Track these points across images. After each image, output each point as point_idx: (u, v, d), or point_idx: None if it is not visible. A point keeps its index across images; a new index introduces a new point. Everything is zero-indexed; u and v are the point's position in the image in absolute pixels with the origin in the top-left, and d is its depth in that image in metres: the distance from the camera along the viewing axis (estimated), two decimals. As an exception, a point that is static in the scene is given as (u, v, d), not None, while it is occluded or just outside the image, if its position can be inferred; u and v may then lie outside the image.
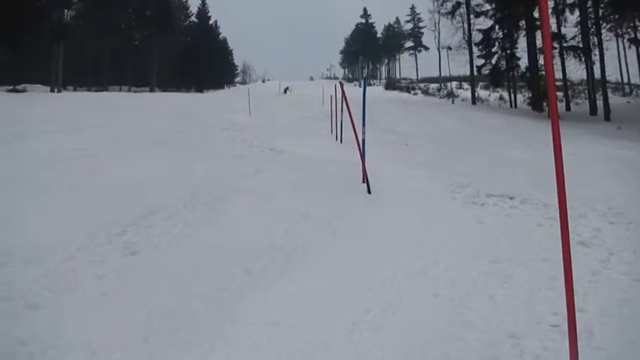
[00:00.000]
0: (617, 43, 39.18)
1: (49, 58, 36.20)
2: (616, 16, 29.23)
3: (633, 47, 35.59)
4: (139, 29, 52.54)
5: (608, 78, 29.39)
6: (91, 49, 45.42)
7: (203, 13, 64.24)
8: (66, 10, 41.27)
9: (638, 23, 30.00)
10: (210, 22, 65.87)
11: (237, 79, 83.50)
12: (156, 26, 49.90)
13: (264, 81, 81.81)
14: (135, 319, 3.34)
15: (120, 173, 7.16)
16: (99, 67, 46.45)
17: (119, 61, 47.74)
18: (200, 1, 63.80)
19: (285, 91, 48.97)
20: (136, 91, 40.85)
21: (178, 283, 3.96)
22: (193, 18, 64.22)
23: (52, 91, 34.72)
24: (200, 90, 55.21)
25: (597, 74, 28.38)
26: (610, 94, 29.58)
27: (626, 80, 45.72)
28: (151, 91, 47.11)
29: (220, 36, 70.49)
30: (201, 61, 56.37)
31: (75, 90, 42.85)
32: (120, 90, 44.96)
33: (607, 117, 25.18)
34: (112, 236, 4.77)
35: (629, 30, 34.04)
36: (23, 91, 30.24)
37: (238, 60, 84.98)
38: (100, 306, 3.52)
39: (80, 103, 19.40)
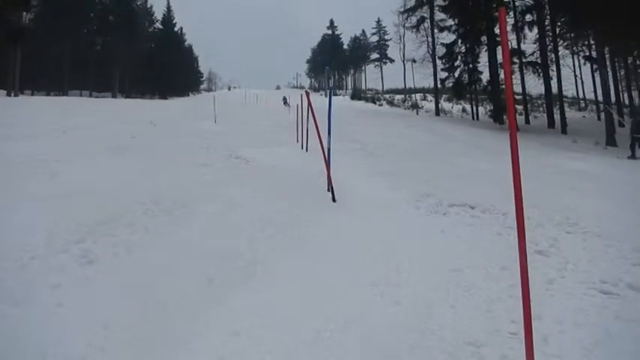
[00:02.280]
0: (573, 59, 40.83)
1: (5, 61, 34.98)
2: (572, 35, 30.51)
3: (588, 64, 37.13)
4: (101, 34, 51.43)
5: (564, 93, 30.65)
6: (51, 53, 44.13)
7: (168, 19, 63.56)
8: (24, 13, 40.02)
9: (592, 42, 31.28)
10: (176, 28, 65.21)
11: (202, 87, 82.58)
12: (119, 32, 48.99)
13: (229, 89, 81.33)
14: (92, 330, 3.22)
15: (78, 180, 6.92)
16: (59, 72, 45.17)
17: (80, 66, 46.57)
18: (165, 8, 63.20)
19: (285, 102, 41.64)
20: (97, 97, 39.85)
21: (138, 292, 3.84)
22: (158, 24, 63.35)
23: (9, 95, 33.53)
24: (164, 97, 54.39)
25: (555, 89, 29.48)
26: (567, 109, 30.76)
27: (581, 95, 47.61)
28: (113, 96, 46.12)
29: (186, 43, 69.82)
30: (166, 68, 55.65)
31: (32, 94, 41.49)
32: (81, 95, 43.84)
33: (564, 130, 26.17)
34: (68, 244, 4.59)
35: (584, 47, 35.55)
36: (-23, 94, 29.12)
37: (204, 68, 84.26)
38: (55, 317, 3.37)
39: (37, 108, 18.76)
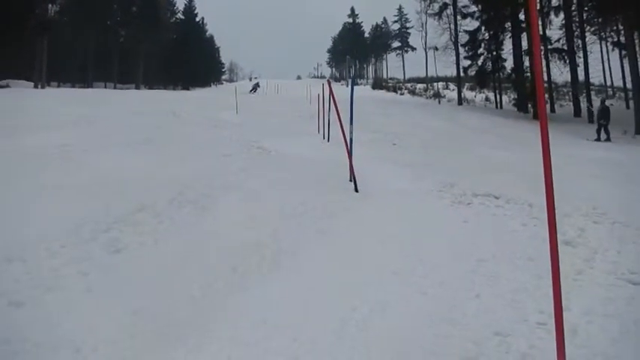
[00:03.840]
0: (601, 46, 39.78)
1: (32, 54, 35.65)
2: (600, 20, 29.67)
3: (616, 50, 36.15)
4: (124, 26, 51.96)
5: (591, 80, 29.83)
6: (75, 46, 44.83)
7: (189, 9, 63.78)
8: (50, 5, 40.69)
9: (620, 27, 30.41)
10: (197, 19, 65.44)
11: (224, 77, 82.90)
12: (142, 23, 49.43)
13: (250, 79, 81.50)
14: (120, 317, 3.30)
15: (106, 170, 7.06)
16: (84, 64, 45.86)
17: (104, 57, 47.18)
18: (186, -2, 63.42)
19: (255, 89, 42.52)
20: (121, 88, 40.28)
21: (164, 280, 3.92)
22: (180, 15, 63.66)
23: (36, 87, 34.21)
24: (186, 87, 54.79)
25: (581, 76, 28.79)
26: (593, 97, 29.99)
27: (609, 83, 46.38)
28: (137, 88, 46.63)
29: (207, 33, 70.06)
30: (188, 59, 55.98)
31: (59, 86, 42.26)
32: (105, 87, 44.43)
33: (590, 119, 25.53)
34: (96, 233, 4.70)
35: (612, 33, 34.58)
36: (6, 86, 29.75)
37: (225, 58, 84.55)
38: (84, 303, 3.47)
39: (65, 99, 19.09)
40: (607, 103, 20.37)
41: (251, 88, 42.78)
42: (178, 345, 3.06)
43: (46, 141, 8.77)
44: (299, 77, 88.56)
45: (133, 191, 6.06)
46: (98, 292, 3.64)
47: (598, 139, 17.42)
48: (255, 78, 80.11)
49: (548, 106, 30.85)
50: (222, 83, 74.11)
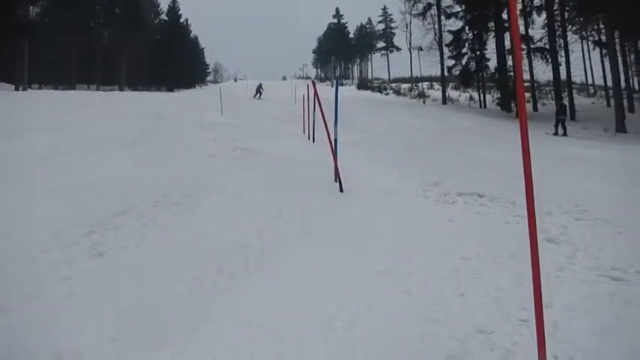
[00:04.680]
0: (582, 45, 40.41)
1: (13, 56, 35.07)
2: (581, 19, 30.13)
3: (597, 49, 36.71)
4: (107, 27, 51.43)
5: (573, 79, 30.27)
6: (58, 47, 44.21)
7: (173, 10, 63.33)
8: (31, 7, 40.11)
9: (601, 26, 30.89)
10: (181, 20, 65.01)
11: (208, 78, 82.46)
12: (125, 24, 48.98)
13: (235, 80, 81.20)
14: (103, 320, 3.27)
15: (88, 173, 6.99)
16: (66, 66, 45.27)
17: (87, 59, 46.64)
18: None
19: (259, 94, 35.21)
20: (104, 90, 39.85)
21: (148, 283, 3.89)
22: (164, 16, 63.17)
23: (17, 89, 33.66)
24: (171, 89, 54.40)
25: (563, 75, 29.17)
26: (575, 95, 30.46)
27: (590, 82, 47.05)
28: (121, 89, 46.17)
29: (191, 34, 69.62)
30: (172, 60, 55.60)
31: (40, 88, 41.63)
32: (88, 89, 43.95)
33: (573, 117, 25.91)
34: (78, 237, 4.65)
35: (593, 32, 35.13)
36: (-14, 88, 29.28)
37: (210, 59, 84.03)
38: (66, 308, 3.42)
39: (47, 102, 18.84)
40: (565, 101, 22.72)
41: (255, 93, 35.69)
42: (163, 347, 3.04)
43: (28, 144, 8.66)
44: (284, 78, 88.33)
45: (116, 194, 6.01)
46: (81, 296, 3.60)
47: (556, 134, 18.79)
48: (241, 79, 79.81)
49: (530, 104, 31.25)
50: (207, 84, 73.72)
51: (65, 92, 31.84)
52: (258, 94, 34.76)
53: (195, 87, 64.67)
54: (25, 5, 37.27)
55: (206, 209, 5.87)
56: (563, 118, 19.27)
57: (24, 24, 34.62)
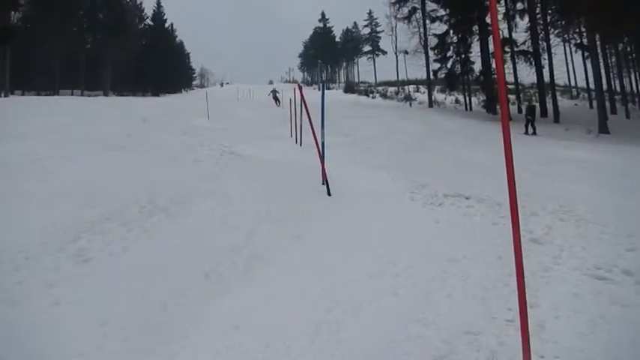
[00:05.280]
0: (565, 48, 41.00)
1: (-6, 62, 34.66)
2: (563, 22, 30.55)
3: (579, 52, 37.27)
4: (91, 32, 50.95)
5: (556, 81, 30.64)
6: (40, 53, 43.69)
7: (158, 15, 62.95)
8: (12, 12, 39.62)
9: (583, 29, 31.36)
10: (166, 25, 64.65)
11: (194, 83, 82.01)
12: (109, 29, 48.59)
13: (222, 85, 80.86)
14: (88, 329, 3.24)
15: (73, 178, 6.89)
16: (49, 71, 44.73)
17: (71, 64, 46.14)
18: (155, 4, 62.58)
19: (277, 101, 31.53)
20: (89, 95, 39.49)
21: (135, 290, 3.86)
22: (149, 21, 62.77)
23: (-1, 95, 33.24)
24: (156, 94, 54.04)
25: (547, 78, 29.55)
26: (559, 97, 30.80)
27: (573, 84, 47.74)
28: (105, 95, 45.76)
29: (177, 39, 69.24)
30: (158, 65, 55.25)
31: (23, 94, 41.10)
32: (72, 94, 43.47)
33: (556, 119, 26.27)
34: (63, 243, 4.59)
35: (575, 35, 35.64)
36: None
37: (196, 64, 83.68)
38: (51, 316, 3.38)
39: (30, 107, 18.60)
40: (535, 103, 23.47)
41: (273, 97, 32.67)
42: (150, 355, 3.01)
43: (11, 148, 8.53)
44: (271, 82, 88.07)
45: (102, 199, 5.94)
46: (66, 304, 3.56)
47: (526, 133, 19.46)
48: (227, 83, 79.51)
49: (515, 107, 31.59)
50: (193, 89, 73.31)
51: (48, 98, 31.48)
52: (277, 102, 31.32)
53: (181, 92, 64.29)
54: (5, 10, 36.79)
55: (193, 214, 5.83)
56: (531, 118, 19.97)
57: (5, 30, 34.15)
